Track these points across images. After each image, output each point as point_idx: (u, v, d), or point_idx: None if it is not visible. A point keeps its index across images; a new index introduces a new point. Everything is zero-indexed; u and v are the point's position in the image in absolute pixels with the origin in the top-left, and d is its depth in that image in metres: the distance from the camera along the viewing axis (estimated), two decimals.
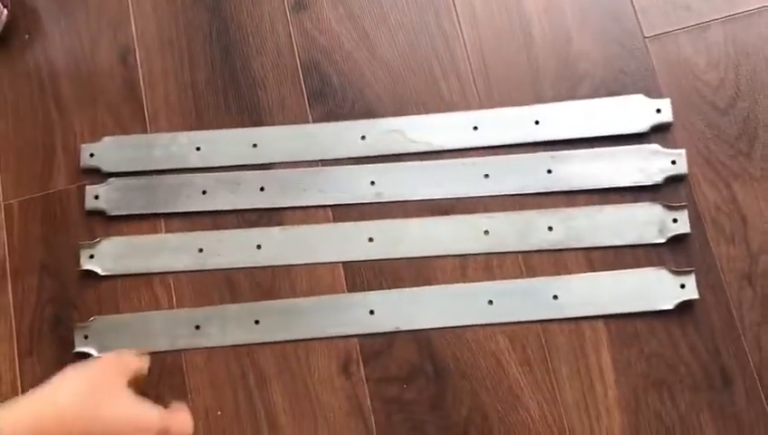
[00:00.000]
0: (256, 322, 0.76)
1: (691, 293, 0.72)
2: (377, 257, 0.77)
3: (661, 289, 0.72)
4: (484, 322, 0.74)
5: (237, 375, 0.75)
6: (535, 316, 0.74)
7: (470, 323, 0.74)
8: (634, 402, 0.71)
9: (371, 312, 0.75)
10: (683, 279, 0.72)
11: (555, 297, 0.74)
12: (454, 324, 0.74)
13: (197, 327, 0.76)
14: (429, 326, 0.74)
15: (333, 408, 0.74)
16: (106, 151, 0.83)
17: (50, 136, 0.85)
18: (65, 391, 0.58)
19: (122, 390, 0.61)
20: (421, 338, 0.74)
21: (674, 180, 0.75)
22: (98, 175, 0.82)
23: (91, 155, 0.83)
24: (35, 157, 0.84)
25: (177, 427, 0.62)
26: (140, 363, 0.65)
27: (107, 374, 0.61)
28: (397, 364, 0.74)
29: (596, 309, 0.73)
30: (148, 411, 0.60)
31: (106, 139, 0.83)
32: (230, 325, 0.76)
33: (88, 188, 0.82)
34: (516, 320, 0.74)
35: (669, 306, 0.72)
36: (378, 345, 0.75)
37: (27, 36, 0.88)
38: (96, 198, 0.81)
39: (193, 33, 0.86)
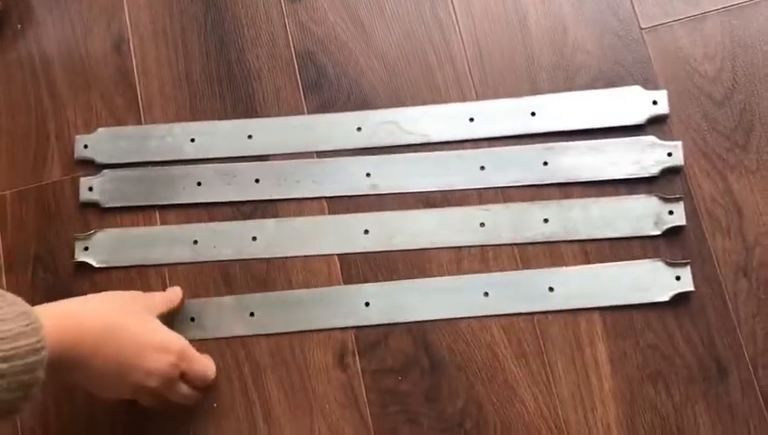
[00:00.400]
0: (251, 314, 0.76)
1: (686, 285, 0.72)
2: (372, 249, 0.77)
3: (657, 281, 0.72)
4: (479, 314, 0.74)
5: (232, 367, 0.75)
6: (531, 308, 0.73)
7: (465, 316, 0.74)
8: (629, 394, 0.71)
9: (367, 304, 0.75)
10: (678, 271, 0.72)
11: (551, 289, 0.73)
12: (449, 316, 0.74)
13: (192, 319, 0.76)
14: (424, 318, 0.74)
15: (329, 399, 0.74)
16: (100, 143, 0.82)
17: (43, 126, 0.84)
18: (102, 302, 0.66)
19: (151, 316, 0.68)
20: (417, 330, 0.74)
21: (670, 172, 0.75)
22: (92, 166, 0.82)
23: (85, 146, 0.82)
24: (28, 147, 0.84)
25: (199, 367, 0.70)
26: (169, 304, 0.72)
27: (138, 302, 0.69)
28: (392, 356, 0.74)
29: (591, 301, 0.73)
30: (171, 335, 0.67)
31: (100, 130, 0.82)
32: (225, 318, 0.76)
33: (82, 179, 0.81)
34: (512, 312, 0.74)
35: (665, 298, 0.72)
36: (373, 337, 0.75)
37: (20, 26, 0.88)
38: (90, 189, 0.81)
39: (187, 23, 0.85)
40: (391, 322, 0.74)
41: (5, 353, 0.51)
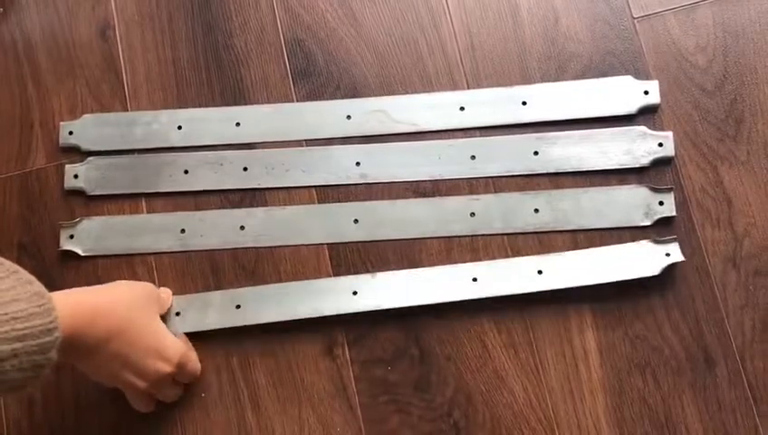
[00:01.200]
0: (237, 306, 0.75)
1: (676, 257, 0.71)
2: (362, 239, 0.76)
3: (646, 259, 0.71)
4: (467, 297, 0.72)
5: (221, 357, 0.75)
6: (519, 289, 0.72)
7: (454, 300, 0.72)
8: (618, 384, 0.71)
9: (354, 293, 0.74)
10: (667, 248, 0.71)
11: (540, 272, 0.73)
12: (437, 301, 0.73)
13: (178, 314, 0.75)
14: (412, 304, 0.73)
15: (318, 389, 0.74)
16: (85, 129, 0.81)
17: (27, 113, 0.83)
18: (116, 294, 0.66)
19: (157, 316, 0.70)
20: (406, 320, 0.74)
21: (660, 163, 0.75)
22: (77, 153, 0.81)
23: (70, 133, 0.81)
24: (12, 134, 0.82)
25: (190, 368, 0.71)
26: (164, 307, 0.73)
27: (147, 297, 0.70)
28: (382, 346, 0.74)
29: (581, 280, 0.72)
30: (173, 342, 0.68)
31: (85, 116, 0.81)
32: (211, 311, 0.75)
33: (67, 167, 0.80)
34: (500, 294, 0.72)
35: (656, 271, 0.71)
36: (363, 327, 0.74)
37: (2, 9, 0.86)
38: (75, 177, 0.80)
39: (174, 7, 0.84)
40: (379, 308, 0.73)
41: (19, 332, 0.51)
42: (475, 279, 0.73)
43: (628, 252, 0.72)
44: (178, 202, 0.79)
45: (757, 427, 0.69)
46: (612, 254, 0.73)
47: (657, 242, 0.72)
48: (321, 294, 0.75)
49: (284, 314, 0.74)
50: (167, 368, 0.67)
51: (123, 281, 0.71)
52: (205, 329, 0.74)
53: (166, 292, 0.75)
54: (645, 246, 0.72)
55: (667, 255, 0.71)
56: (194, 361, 0.72)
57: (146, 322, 0.67)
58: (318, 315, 0.74)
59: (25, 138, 0.82)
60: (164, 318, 0.73)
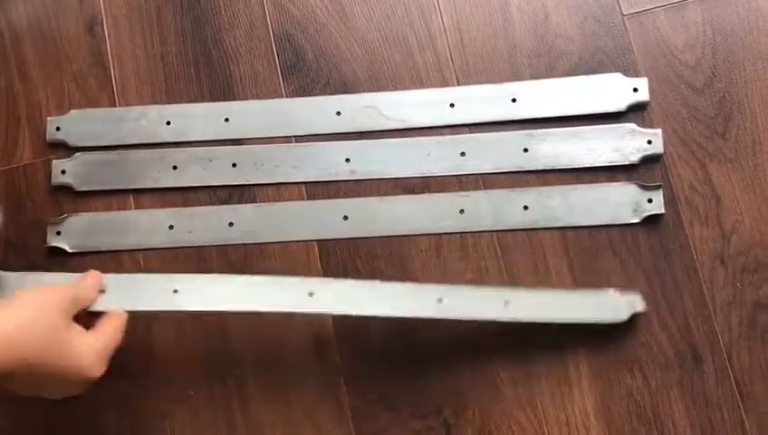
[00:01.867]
0: (175, 291, 0.67)
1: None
2: (351, 236, 0.76)
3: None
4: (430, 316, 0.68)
5: (209, 353, 0.75)
6: (485, 316, 0.68)
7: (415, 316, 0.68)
8: (607, 380, 0.71)
9: (310, 294, 0.67)
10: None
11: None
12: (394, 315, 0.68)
13: (102, 291, 0.67)
14: (366, 313, 0.67)
15: (307, 387, 0.73)
16: (73, 125, 0.80)
17: (13, 108, 0.82)
18: (20, 314, 0.56)
19: (67, 327, 0.59)
20: (398, 319, 0.74)
21: (649, 160, 0.75)
22: (64, 149, 0.80)
23: (58, 129, 0.80)
24: None
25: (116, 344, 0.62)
26: (90, 296, 0.64)
27: (61, 306, 0.59)
28: (372, 343, 0.74)
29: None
30: (92, 352, 0.59)
31: (73, 112, 0.81)
32: (143, 292, 0.68)
33: (54, 162, 0.79)
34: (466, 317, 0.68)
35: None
36: (353, 326, 0.74)
37: None
38: (63, 172, 0.79)
39: (162, 2, 0.84)
40: (329, 313, 0.69)
41: None
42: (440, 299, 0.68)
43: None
44: (167, 198, 0.79)
45: (743, 422, 0.70)
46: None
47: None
48: (273, 288, 0.68)
49: (225, 305, 0.67)
50: (91, 378, 0.60)
51: (28, 294, 0.59)
52: (133, 310, 0.66)
53: (91, 278, 0.66)
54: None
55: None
56: (116, 339, 0.63)
57: (60, 342, 0.58)
58: (261, 310, 0.67)
59: (12, 133, 0.81)
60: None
